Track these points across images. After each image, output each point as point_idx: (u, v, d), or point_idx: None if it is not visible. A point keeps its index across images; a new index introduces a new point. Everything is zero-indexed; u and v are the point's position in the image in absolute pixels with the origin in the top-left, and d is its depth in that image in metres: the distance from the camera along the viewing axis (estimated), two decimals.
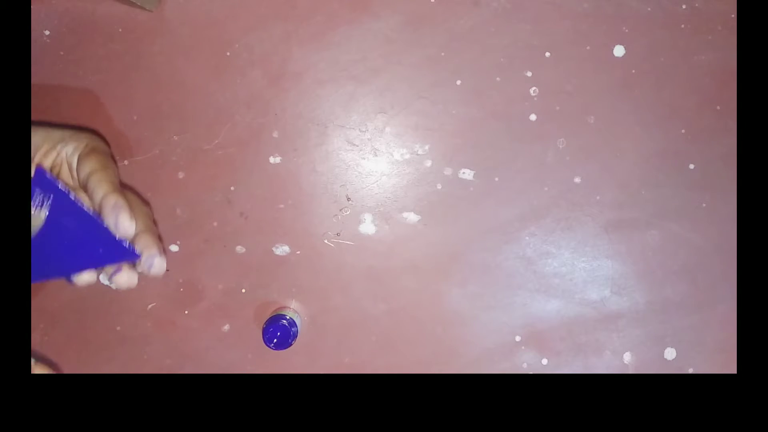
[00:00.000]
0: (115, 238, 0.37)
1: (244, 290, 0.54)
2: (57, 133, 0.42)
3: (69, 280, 0.40)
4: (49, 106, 0.50)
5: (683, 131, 0.52)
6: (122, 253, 0.38)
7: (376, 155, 0.52)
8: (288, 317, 0.52)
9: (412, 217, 0.53)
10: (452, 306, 0.55)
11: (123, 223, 0.37)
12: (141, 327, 0.55)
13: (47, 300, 0.54)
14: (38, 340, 0.55)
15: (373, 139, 0.51)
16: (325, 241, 0.53)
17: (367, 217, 0.53)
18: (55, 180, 0.37)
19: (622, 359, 0.57)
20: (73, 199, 0.37)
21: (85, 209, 0.37)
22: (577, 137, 0.52)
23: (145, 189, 0.52)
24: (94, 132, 0.50)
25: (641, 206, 0.54)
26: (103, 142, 0.45)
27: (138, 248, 0.39)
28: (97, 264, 0.39)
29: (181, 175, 0.52)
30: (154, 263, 0.39)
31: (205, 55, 0.49)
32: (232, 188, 0.52)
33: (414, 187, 0.52)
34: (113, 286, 0.40)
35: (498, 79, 0.51)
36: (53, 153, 0.42)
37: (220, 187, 0.52)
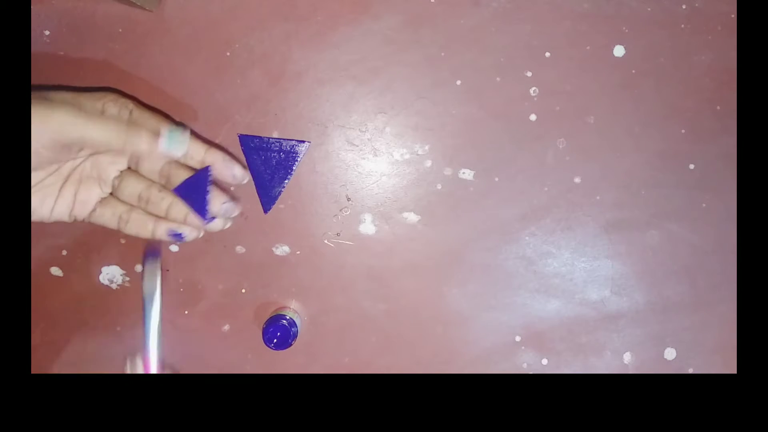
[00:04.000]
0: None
1: (244, 290, 0.54)
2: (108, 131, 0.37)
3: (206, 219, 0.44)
4: None
5: (683, 131, 0.52)
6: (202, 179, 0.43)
7: (376, 155, 0.52)
8: (288, 317, 0.52)
9: (412, 217, 0.53)
10: (452, 306, 0.55)
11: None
12: (141, 327, 0.55)
13: (47, 300, 0.54)
14: (38, 340, 0.55)
15: (373, 139, 0.51)
16: (325, 241, 0.53)
17: (367, 217, 0.53)
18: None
19: (622, 359, 0.57)
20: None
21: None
22: (577, 137, 0.52)
23: None
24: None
25: (641, 206, 0.54)
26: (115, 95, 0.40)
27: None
28: (204, 202, 0.43)
29: None
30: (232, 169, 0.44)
31: (205, 55, 0.49)
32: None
33: (414, 187, 0.52)
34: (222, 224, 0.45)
35: (498, 79, 0.51)
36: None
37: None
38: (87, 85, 0.49)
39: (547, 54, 0.50)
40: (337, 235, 0.53)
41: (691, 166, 0.53)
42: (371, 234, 0.53)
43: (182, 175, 0.43)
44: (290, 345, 0.51)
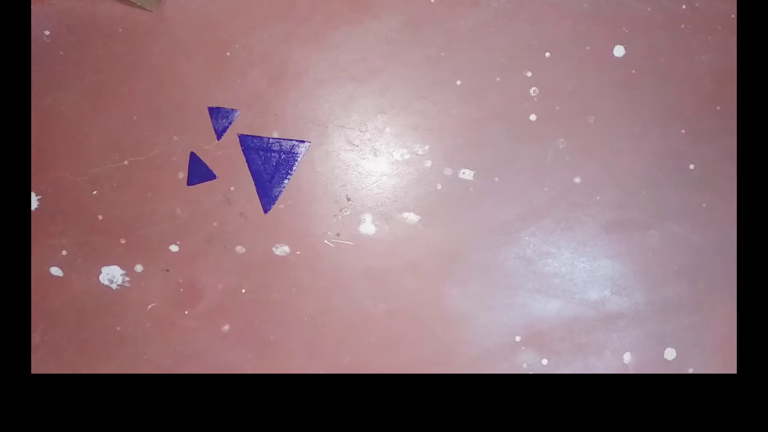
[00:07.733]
0: None
1: (244, 290, 0.54)
2: None
3: None
4: (49, 106, 0.50)
5: (683, 131, 0.52)
6: None
7: (376, 155, 0.52)
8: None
9: (412, 217, 0.53)
10: (452, 306, 0.55)
11: None
12: (141, 327, 0.55)
13: (47, 300, 0.54)
14: (38, 340, 0.55)
15: (373, 139, 0.51)
16: (325, 241, 0.53)
17: (367, 217, 0.53)
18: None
19: (622, 359, 0.57)
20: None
21: None
22: (577, 137, 0.52)
23: (145, 189, 0.52)
24: None
25: (641, 206, 0.54)
26: None
27: None
28: None
29: (181, 175, 0.52)
30: None
31: (205, 55, 0.49)
32: (232, 188, 0.52)
33: (414, 187, 0.52)
34: None
35: (498, 79, 0.51)
36: None
37: (220, 187, 0.52)
38: (86, 84, 0.49)
39: (547, 54, 0.50)
40: (337, 235, 0.53)
41: (691, 166, 0.53)
42: (371, 234, 0.53)
43: None
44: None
